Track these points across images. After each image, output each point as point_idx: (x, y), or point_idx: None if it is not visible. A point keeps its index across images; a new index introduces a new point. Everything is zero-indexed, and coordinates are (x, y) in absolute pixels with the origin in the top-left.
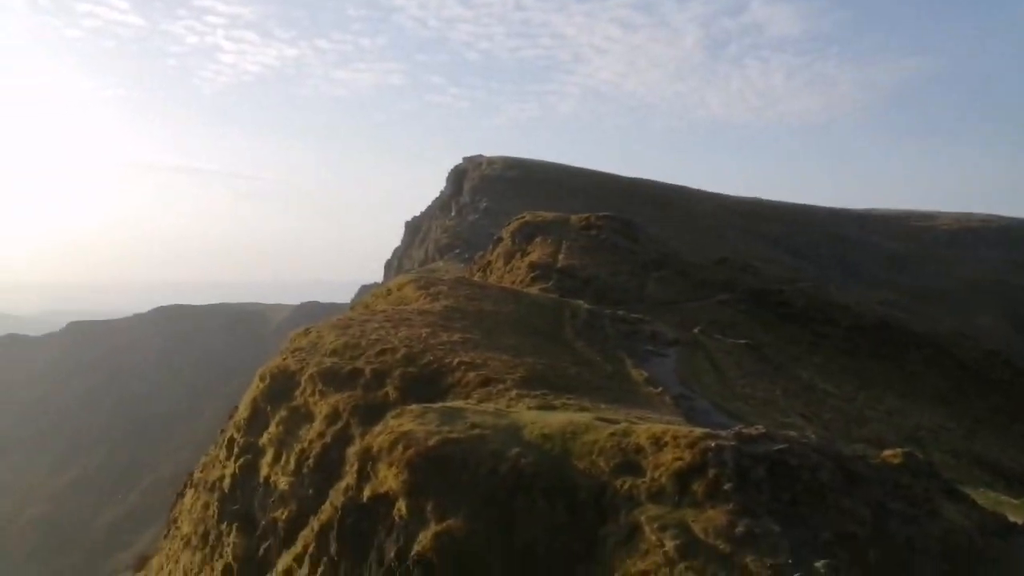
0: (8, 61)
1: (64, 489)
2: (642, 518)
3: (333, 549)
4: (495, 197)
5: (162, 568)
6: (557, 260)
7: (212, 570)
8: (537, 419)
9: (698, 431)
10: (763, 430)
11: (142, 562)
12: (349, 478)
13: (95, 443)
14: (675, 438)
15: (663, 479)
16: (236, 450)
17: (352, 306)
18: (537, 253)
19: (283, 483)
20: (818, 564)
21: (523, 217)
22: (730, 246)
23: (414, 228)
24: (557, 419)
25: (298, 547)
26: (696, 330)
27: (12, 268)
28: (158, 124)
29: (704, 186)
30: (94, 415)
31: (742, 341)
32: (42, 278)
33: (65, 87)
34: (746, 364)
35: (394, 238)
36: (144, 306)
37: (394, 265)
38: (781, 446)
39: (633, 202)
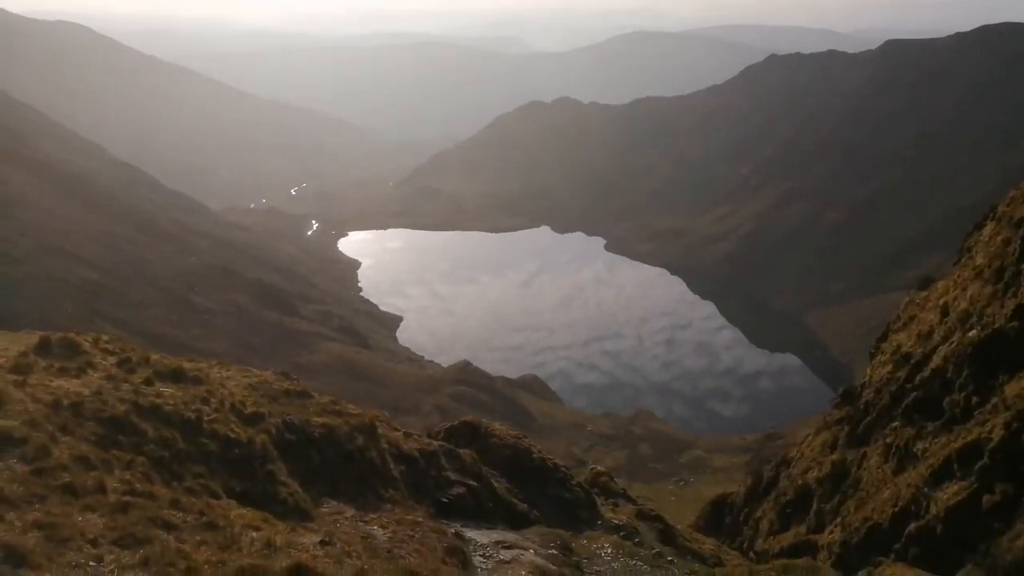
0: None
1: (862, 200)
2: None
3: None
4: None
5: (947, 292)
6: None
7: (1002, 306)
8: None
9: None
10: None
11: (926, 283)
12: None
13: (895, 160)
14: None
15: None
16: None
17: None
18: None
19: None
20: None
21: None
22: None
23: None
24: None
25: None
26: None
27: None
28: None
29: None
30: (898, 134)
31: None
32: None
33: None
34: None
35: None
36: (969, 23)
37: None
38: None
39: None
